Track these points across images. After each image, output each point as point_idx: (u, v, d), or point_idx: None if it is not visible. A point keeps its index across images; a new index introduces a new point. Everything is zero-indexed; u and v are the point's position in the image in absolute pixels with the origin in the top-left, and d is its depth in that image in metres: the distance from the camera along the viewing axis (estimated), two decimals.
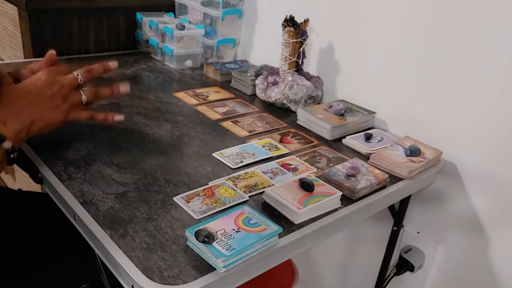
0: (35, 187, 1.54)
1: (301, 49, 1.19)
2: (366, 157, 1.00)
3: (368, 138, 1.06)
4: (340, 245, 1.39)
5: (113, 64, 0.88)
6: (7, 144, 0.68)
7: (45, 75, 0.77)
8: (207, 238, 0.63)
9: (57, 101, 0.77)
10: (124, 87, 0.88)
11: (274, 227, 0.69)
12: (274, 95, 1.20)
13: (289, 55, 1.19)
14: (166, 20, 1.49)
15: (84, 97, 0.81)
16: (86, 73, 0.83)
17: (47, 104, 0.75)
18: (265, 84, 1.23)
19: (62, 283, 0.88)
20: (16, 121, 0.70)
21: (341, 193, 0.82)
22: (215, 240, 0.64)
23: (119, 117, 0.89)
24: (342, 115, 1.12)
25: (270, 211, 0.77)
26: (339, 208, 0.81)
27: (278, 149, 0.99)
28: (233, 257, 0.63)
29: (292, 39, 1.18)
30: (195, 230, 0.65)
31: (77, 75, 0.81)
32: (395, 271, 1.18)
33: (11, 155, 0.69)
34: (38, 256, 0.89)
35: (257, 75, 1.30)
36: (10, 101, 0.71)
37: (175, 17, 1.56)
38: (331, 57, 1.28)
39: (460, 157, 1.04)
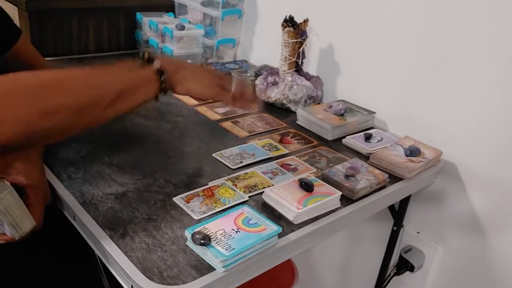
0: None
1: (301, 49, 1.19)
2: (366, 157, 1.00)
3: (368, 138, 1.06)
4: (340, 245, 1.39)
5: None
6: (156, 64, 0.72)
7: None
8: (203, 240, 0.63)
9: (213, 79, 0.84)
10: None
11: (274, 227, 0.69)
12: (274, 95, 1.20)
13: (289, 55, 1.19)
14: (166, 20, 1.49)
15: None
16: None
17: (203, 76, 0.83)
18: (265, 84, 1.23)
19: (62, 283, 0.88)
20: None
21: (340, 193, 0.82)
22: (214, 240, 0.64)
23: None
24: (342, 115, 1.12)
25: (270, 211, 0.77)
26: (339, 208, 0.81)
27: (278, 150, 0.99)
28: (233, 257, 0.63)
29: (291, 39, 1.17)
30: (192, 233, 0.65)
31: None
32: (395, 271, 1.18)
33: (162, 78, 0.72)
34: (37, 256, 0.89)
35: (257, 75, 1.30)
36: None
37: (175, 17, 1.56)
38: (331, 57, 1.27)
39: (460, 157, 1.04)
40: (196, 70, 0.82)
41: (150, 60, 0.73)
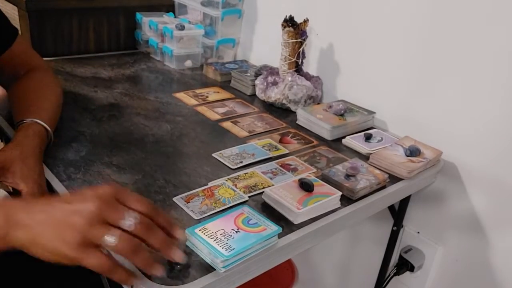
0: None
1: (301, 49, 1.19)
2: (366, 157, 1.00)
3: (368, 138, 1.06)
4: (340, 245, 1.39)
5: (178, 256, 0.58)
6: None
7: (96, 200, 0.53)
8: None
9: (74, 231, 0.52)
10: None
11: (274, 228, 0.69)
12: (274, 95, 1.20)
13: (289, 55, 1.19)
14: (166, 20, 1.49)
15: (110, 241, 0.52)
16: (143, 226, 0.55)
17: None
18: (265, 84, 1.23)
19: (61, 283, 0.88)
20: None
21: (340, 193, 0.81)
22: (213, 240, 0.64)
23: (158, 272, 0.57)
24: (342, 115, 1.12)
25: (270, 211, 0.77)
26: (339, 208, 0.81)
27: (277, 150, 0.99)
28: (233, 258, 0.63)
29: (291, 39, 1.17)
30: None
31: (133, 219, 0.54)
32: (395, 271, 1.18)
33: None
34: (35, 258, 0.89)
35: (256, 75, 1.30)
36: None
37: (175, 17, 1.56)
38: (331, 57, 1.27)
39: (460, 157, 1.04)
40: (48, 219, 0.52)
41: None
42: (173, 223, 0.59)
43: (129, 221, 0.53)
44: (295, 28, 1.16)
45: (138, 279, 0.57)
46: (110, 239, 0.51)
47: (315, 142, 1.06)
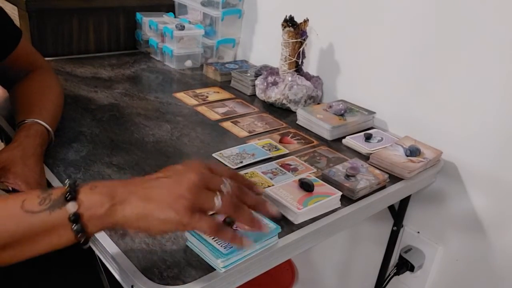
0: None
1: (301, 49, 1.19)
2: (366, 157, 1.00)
3: (368, 138, 1.06)
4: (340, 245, 1.39)
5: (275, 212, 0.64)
6: (71, 206, 0.53)
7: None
8: None
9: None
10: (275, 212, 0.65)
11: (274, 227, 0.69)
12: (274, 95, 1.20)
13: (289, 55, 1.19)
14: (166, 20, 1.49)
15: (218, 203, 0.57)
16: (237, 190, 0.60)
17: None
18: (265, 84, 1.23)
19: (62, 283, 0.88)
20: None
21: (340, 193, 0.82)
22: (214, 239, 0.64)
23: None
24: (342, 115, 1.12)
25: None
26: (339, 208, 0.81)
27: (278, 150, 0.99)
28: (233, 257, 0.63)
29: (291, 39, 1.17)
30: None
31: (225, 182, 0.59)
32: (395, 271, 1.18)
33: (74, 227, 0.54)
34: (37, 257, 0.89)
35: (257, 75, 1.30)
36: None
37: (175, 17, 1.56)
38: (331, 57, 1.27)
39: (460, 157, 1.04)
40: (156, 193, 0.55)
41: (70, 197, 0.53)
42: (252, 183, 0.65)
43: (226, 186, 0.59)
44: (295, 28, 1.16)
45: (247, 244, 0.60)
46: (217, 201, 0.56)
47: (315, 142, 1.06)
